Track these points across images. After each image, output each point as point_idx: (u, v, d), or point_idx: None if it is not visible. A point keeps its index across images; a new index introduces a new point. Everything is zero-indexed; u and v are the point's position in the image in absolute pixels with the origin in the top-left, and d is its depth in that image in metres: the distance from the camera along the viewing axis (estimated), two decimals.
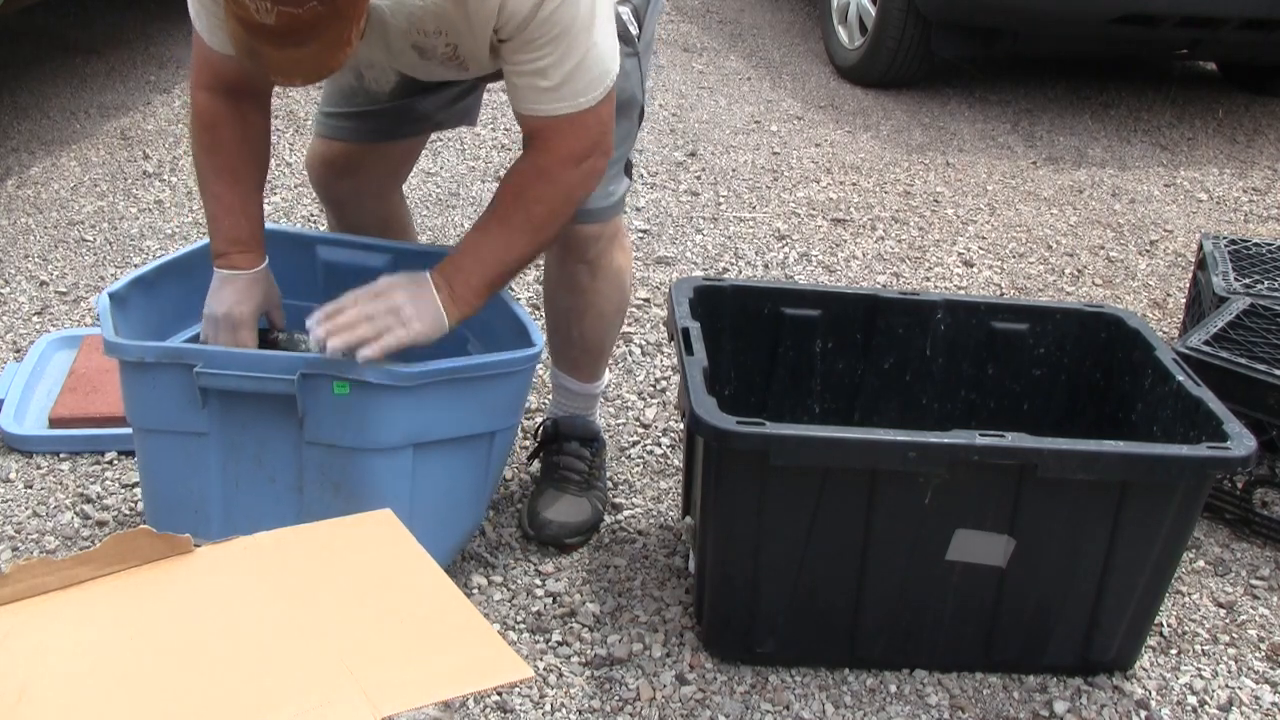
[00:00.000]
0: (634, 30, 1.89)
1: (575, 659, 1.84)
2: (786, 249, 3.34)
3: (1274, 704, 1.86)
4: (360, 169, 2.06)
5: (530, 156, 1.73)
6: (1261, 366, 2.20)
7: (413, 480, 1.77)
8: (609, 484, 2.24)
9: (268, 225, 2.21)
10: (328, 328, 1.67)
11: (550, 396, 2.22)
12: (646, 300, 2.99)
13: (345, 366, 1.68)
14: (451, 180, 3.68)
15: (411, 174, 3.70)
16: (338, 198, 2.12)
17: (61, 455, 2.25)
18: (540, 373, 2.63)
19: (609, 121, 1.72)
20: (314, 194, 3.51)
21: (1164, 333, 3.01)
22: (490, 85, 2.09)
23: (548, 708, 1.75)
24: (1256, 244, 2.86)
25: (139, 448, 1.84)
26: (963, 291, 3.19)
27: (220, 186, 1.82)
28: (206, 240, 2.05)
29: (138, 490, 2.10)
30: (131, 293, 1.89)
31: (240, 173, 1.83)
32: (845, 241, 3.43)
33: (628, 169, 1.99)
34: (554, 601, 1.95)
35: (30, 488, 2.17)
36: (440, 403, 1.73)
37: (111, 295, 1.85)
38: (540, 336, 1.86)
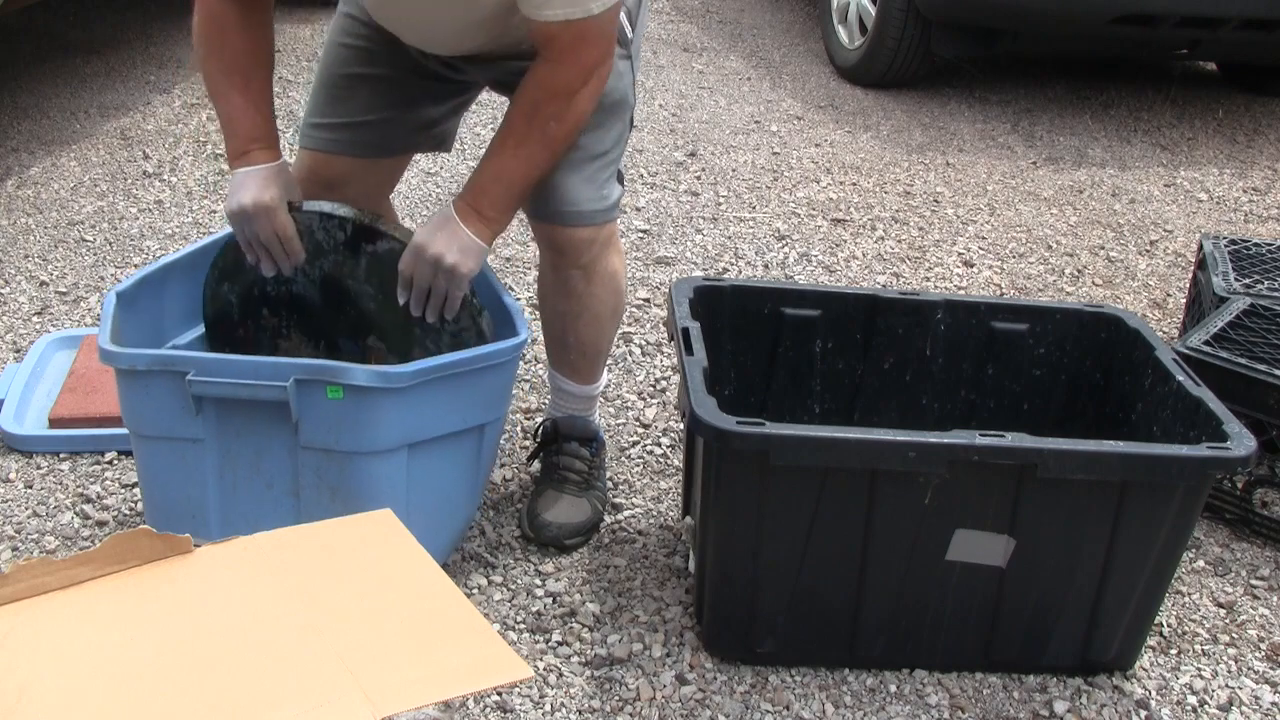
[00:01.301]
0: (629, 33, 1.89)
1: (575, 659, 1.84)
2: (786, 249, 3.34)
3: (1274, 704, 1.86)
4: (348, 183, 2.05)
5: (542, 70, 1.76)
6: (1261, 366, 2.20)
7: (408, 480, 1.77)
8: (609, 484, 2.24)
9: None
10: (414, 305, 1.84)
11: (550, 397, 2.22)
12: (646, 300, 2.99)
13: (337, 371, 1.68)
14: (451, 180, 3.68)
15: (412, 174, 3.72)
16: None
17: (61, 455, 2.25)
18: (540, 373, 2.63)
19: (614, 30, 1.77)
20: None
21: (1164, 333, 3.01)
22: (483, 99, 2.09)
23: (548, 708, 1.75)
24: (1256, 244, 2.86)
25: (137, 453, 1.84)
26: (963, 291, 3.19)
27: (233, 88, 1.83)
28: (211, 238, 2.05)
29: (138, 490, 2.11)
30: (139, 292, 1.90)
31: (251, 73, 1.84)
32: (845, 241, 3.43)
33: (619, 176, 2.00)
34: (554, 601, 1.95)
35: (30, 488, 2.17)
36: (432, 401, 1.74)
37: (119, 294, 1.85)
38: (526, 325, 1.87)
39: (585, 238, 1.93)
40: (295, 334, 1.98)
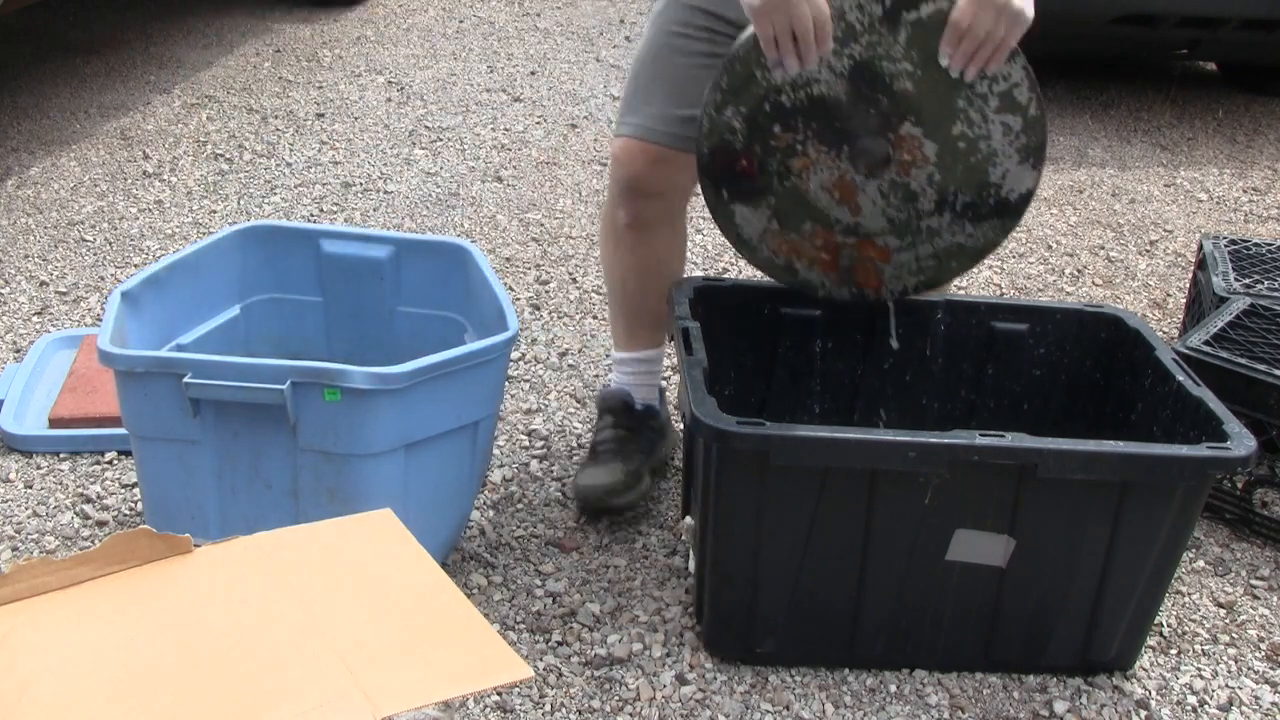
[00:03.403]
0: None
1: (575, 659, 1.84)
2: None
3: (1274, 704, 1.86)
4: (684, 176, 2.02)
5: None
6: (1261, 366, 2.20)
7: (405, 479, 1.78)
8: None
9: (269, 222, 2.23)
10: (960, 62, 1.74)
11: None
12: None
13: (334, 374, 1.68)
14: (451, 180, 3.68)
15: (411, 173, 3.72)
16: (656, 214, 2.09)
17: (61, 455, 2.26)
18: (539, 373, 2.63)
19: None
20: (313, 194, 3.52)
21: (1164, 333, 3.01)
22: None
23: (548, 708, 1.75)
24: (1256, 244, 2.86)
25: (136, 454, 1.84)
26: (963, 291, 3.19)
27: None
28: (215, 238, 2.06)
29: (138, 490, 2.10)
30: (144, 291, 1.90)
31: None
32: None
33: None
34: (554, 601, 1.95)
35: (30, 488, 2.17)
36: (428, 400, 1.74)
37: (124, 294, 1.85)
38: (516, 320, 1.87)
39: None
40: (812, 146, 1.80)
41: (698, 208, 3.62)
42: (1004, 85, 1.77)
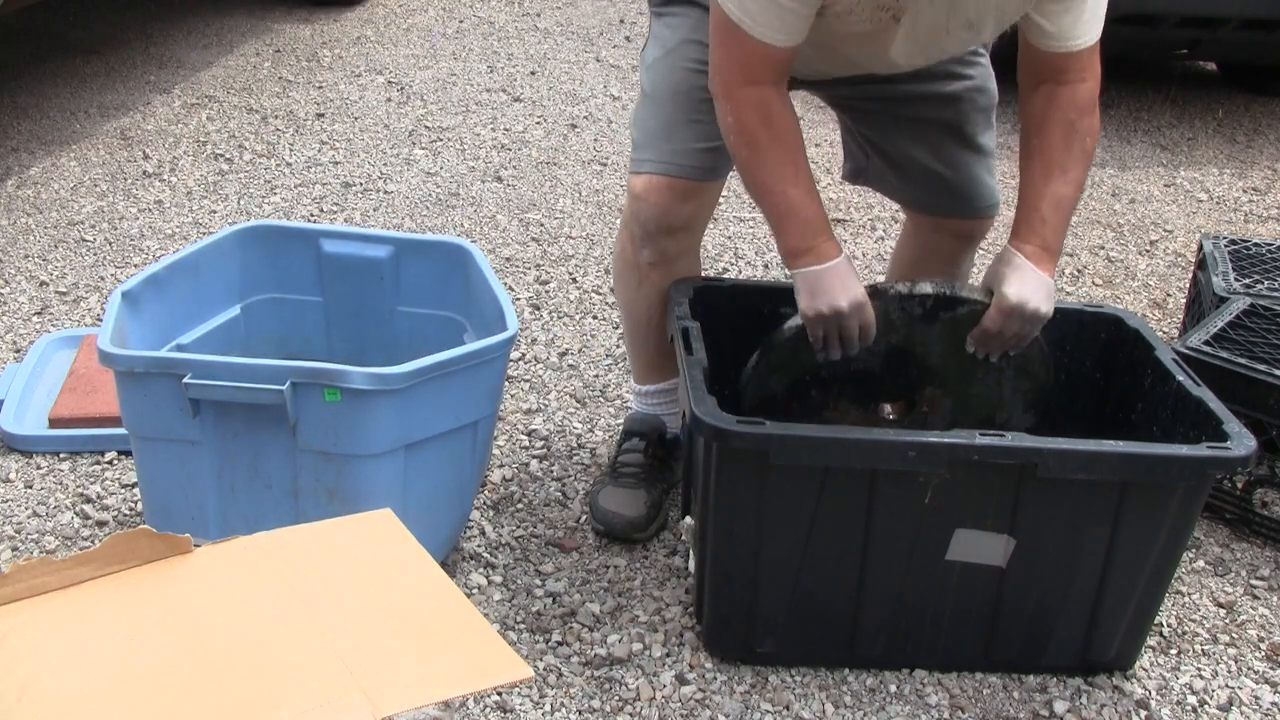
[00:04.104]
0: None
1: (575, 659, 1.84)
2: None
3: (1274, 704, 1.86)
4: (703, 206, 2.04)
5: (1065, 93, 1.83)
6: (1261, 366, 2.20)
7: (405, 479, 1.78)
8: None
9: (269, 222, 2.23)
10: (984, 351, 1.89)
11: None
12: None
13: (334, 375, 1.68)
14: (451, 180, 3.68)
15: (411, 173, 3.72)
16: (681, 248, 2.07)
17: (61, 455, 2.25)
18: (540, 373, 2.63)
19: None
20: (313, 194, 3.52)
21: (1164, 333, 3.01)
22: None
23: (548, 708, 1.75)
24: (1256, 244, 2.86)
25: (136, 454, 1.84)
26: None
27: (786, 180, 1.79)
28: (214, 238, 2.06)
29: (138, 490, 2.11)
30: (144, 291, 1.90)
31: (800, 160, 1.81)
32: (845, 241, 3.43)
33: None
34: (554, 601, 1.95)
35: (30, 488, 2.17)
36: (427, 400, 1.74)
37: (125, 294, 1.85)
38: (516, 320, 1.87)
39: (991, 221, 2.17)
40: (843, 403, 1.95)
41: None
42: (1020, 360, 1.93)
